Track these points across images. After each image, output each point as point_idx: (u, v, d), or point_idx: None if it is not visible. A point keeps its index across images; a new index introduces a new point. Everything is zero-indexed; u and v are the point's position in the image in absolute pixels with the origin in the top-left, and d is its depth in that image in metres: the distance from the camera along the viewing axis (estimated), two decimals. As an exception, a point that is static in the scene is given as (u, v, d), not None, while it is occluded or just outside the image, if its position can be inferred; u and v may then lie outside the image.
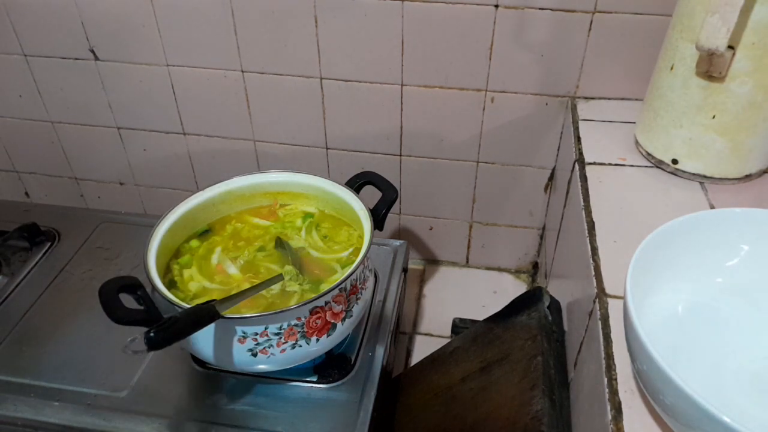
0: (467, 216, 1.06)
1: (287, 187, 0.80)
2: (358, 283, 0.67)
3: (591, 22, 0.81)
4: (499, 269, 1.13)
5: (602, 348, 0.51)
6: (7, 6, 0.96)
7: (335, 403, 0.68)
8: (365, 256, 0.66)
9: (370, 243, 0.67)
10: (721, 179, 0.69)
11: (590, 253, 0.60)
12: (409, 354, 0.98)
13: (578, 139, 0.79)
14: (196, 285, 0.70)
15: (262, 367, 0.65)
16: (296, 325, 0.62)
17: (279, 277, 0.68)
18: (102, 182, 1.17)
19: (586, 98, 0.88)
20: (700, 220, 0.51)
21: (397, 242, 0.93)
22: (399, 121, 0.96)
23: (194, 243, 0.75)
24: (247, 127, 1.02)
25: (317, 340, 0.65)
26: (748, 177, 0.69)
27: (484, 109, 0.92)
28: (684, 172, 0.70)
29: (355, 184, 0.77)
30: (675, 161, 0.70)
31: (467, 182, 1.01)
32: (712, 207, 0.66)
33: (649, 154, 0.73)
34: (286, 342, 0.63)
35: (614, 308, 0.54)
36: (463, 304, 1.06)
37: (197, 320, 0.57)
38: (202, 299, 0.68)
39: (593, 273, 0.57)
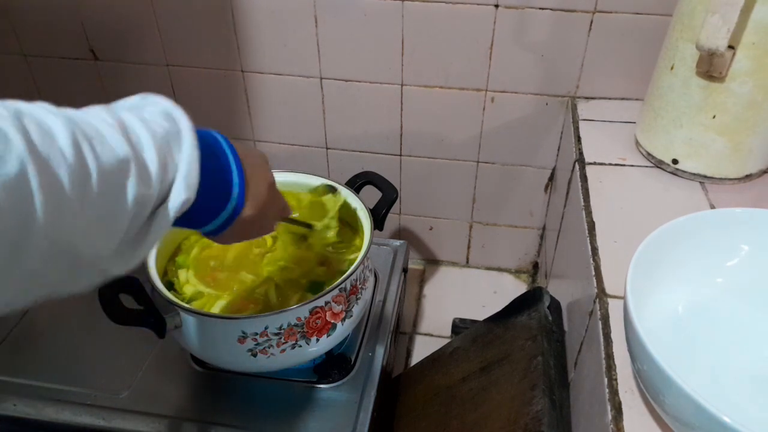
0: (467, 216, 1.06)
1: (287, 187, 0.80)
2: (358, 283, 0.67)
3: (591, 22, 0.81)
4: (499, 269, 1.13)
5: (602, 348, 0.51)
6: (7, 6, 0.96)
7: (335, 403, 0.68)
8: (365, 256, 0.66)
9: (370, 243, 0.67)
10: (721, 179, 0.69)
11: (590, 253, 0.60)
12: (409, 354, 0.98)
13: (578, 139, 0.79)
14: (192, 289, 0.69)
15: (262, 367, 0.65)
16: (296, 325, 0.62)
17: (309, 226, 0.68)
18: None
19: (586, 98, 0.88)
20: (700, 220, 0.51)
21: (397, 242, 0.93)
22: (399, 121, 0.96)
23: (194, 237, 0.75)
24: (247, 127, 1.02)
25: (317, 340, 0.65)
26: (748, 177, 0.69)
27: (484, 109, 0.92)
28: (684, 172, 0.70)
29: (355, 184, 0.77)
30: (675, 161, 0.70)
31: (467, 182, 1.01)
32: (712, 207, 0.66)
33: (649, 154, 0.73)
34: (286, 342, 0.63)
35: (614, 308, 0.54)
36: (463, 304, 1.06)
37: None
38: (199, 301, 0.68)
39: (593, 273, 0.57)
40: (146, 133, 0.34)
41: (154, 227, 0.35)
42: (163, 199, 0.35)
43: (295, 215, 0.67)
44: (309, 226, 0.69)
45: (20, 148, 0.26)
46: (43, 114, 0.29)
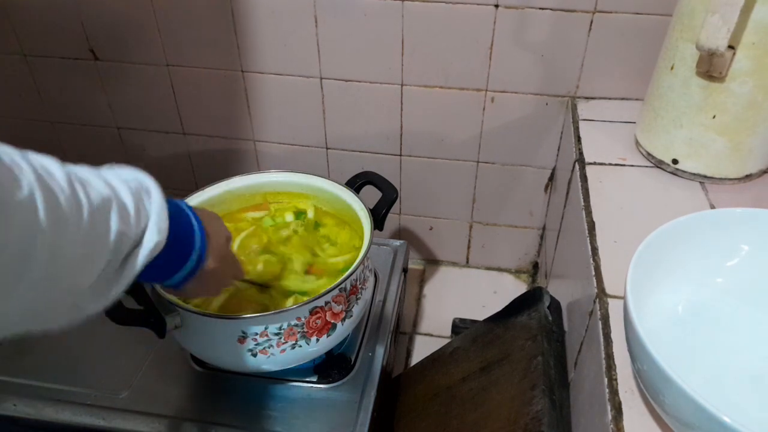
0: (467, 216, 1.06)
1: (287, 187, 0.80)
2: (358, 283, 0.67)
3: (591, 22, 0.81)
4: (499, 269, 1.13)
5: (602, 348, 0.51)
6: (7, 6, 0.96)
7: (335, 403, 0.68)
8: (365, 256, 0.66)
9: (370, 243, 0.67)
10: (721, 179, 0.69)
11: (590, 253, 0.60)
12: (409, 354, 0.98)
13: (578, 139, 0.79)
14: None
15: (262, 367, 0.65)
16: (296, 325, 0.62)
17: (266, 287, 0.69)
18: (102, 182, 1.17)
19: (586, 98, 0.88)
20: (700, 220, 0.51)
21: (397, 242, 0.93)
22: (399, 121, 0.96)
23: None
24: (247, 127, 1.02)
25: (317, 340, 0.65)
26: (748, 177, 0.69)
27: (484, 109, 0.92)
28: (684, 172, 0.70)
29: (355, 184, 0.77)
30: (675, 161, 0.70)
31: (467, 182, 1.01)
32: (712, 207, 0.66)
33: (649, 154, 0.73)
34: (286, 342, 0.63)
35: (614, 308, 0.54)
36: (463, 304, 1.06)
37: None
38: (198, 299, 0.68)
39: (593, 273, 0.57)
40: (122, 183, 0.41)
41: (128, 268, 0.40)
42: (138, 243, 0.41)
43: (250, 278, 0.69)
44: (266, 286, 0.69)
45: (31, 177, 0.33)
46: (43, 158, 0.35)
